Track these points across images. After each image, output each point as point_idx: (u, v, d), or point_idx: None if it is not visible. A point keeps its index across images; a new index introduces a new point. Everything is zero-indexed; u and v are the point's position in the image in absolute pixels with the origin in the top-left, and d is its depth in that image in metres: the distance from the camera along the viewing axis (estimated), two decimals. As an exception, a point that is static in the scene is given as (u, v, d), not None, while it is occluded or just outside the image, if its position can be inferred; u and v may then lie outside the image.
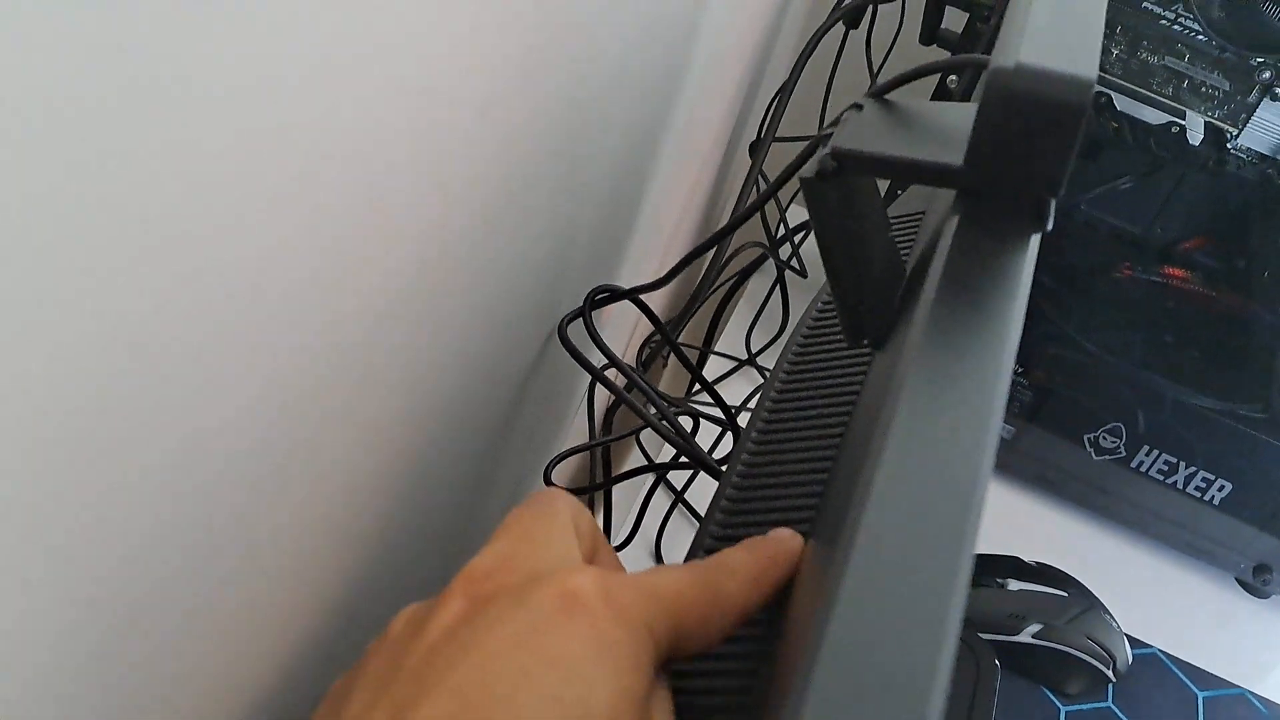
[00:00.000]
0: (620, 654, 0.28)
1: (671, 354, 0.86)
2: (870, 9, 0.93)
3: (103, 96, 0.15)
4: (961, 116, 0.33)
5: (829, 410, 0.45)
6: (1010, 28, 0.33)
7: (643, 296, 0.54)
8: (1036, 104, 0.30)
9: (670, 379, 1.17)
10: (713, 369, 0.95)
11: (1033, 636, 0.74)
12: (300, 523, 0.30)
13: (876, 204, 0.39)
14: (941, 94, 0.88)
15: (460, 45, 0.28)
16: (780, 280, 0.96)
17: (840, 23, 0.90)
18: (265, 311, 0.23)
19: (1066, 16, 0.33)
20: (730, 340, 0.98)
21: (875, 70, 0.98)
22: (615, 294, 0.52)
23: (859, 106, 0.38)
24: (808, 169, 0.36)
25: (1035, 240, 0.33)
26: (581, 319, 0.51)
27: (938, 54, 0.90)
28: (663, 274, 0.57)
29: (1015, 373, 0.88)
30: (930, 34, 0.91)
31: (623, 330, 0.80)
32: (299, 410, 0.27)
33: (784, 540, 0.34)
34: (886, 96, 0.38)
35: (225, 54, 0.18)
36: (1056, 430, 0.89)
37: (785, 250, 1.01)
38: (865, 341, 0.39)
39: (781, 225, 0.98)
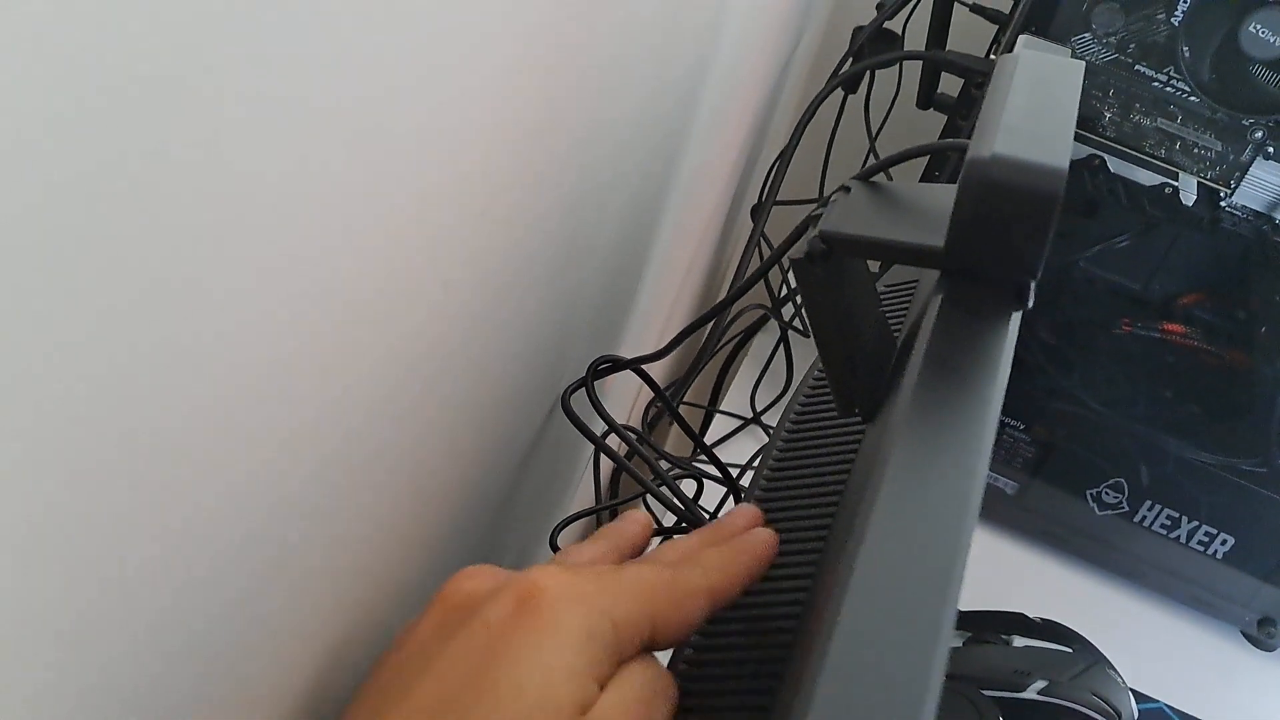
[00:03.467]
0: (574, 636, 0.30)
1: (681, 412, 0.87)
2: (868, 74, 0.95)
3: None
4: (944, 199, 0.35)
5: (826, 477, 0.46)
6: (988, 116, 0.34)
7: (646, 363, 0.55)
8: (1011, 193, 0.32)
9: (677, 436, 1.18)
10: (719, 427, 0.97)
11: (1038, 693, 0.75)
12: (311, 593, 0.31)
13: (865, 282, 0.40)
14: (938, 162, 0.90)
15: (463, 119, 0.29)
16: (784, 339, 0.97)
17: (839, 88, 0.92)
18: (267, 398, 0.25)
19: (1041, 106, 0.34)
20: (736, 398, 1.00)
21: (874, 134, 1.00)
22: (617, 364, 0.54)
23: (847, 189, 0.39)
24: (797, 250, 0.38)
25: (1016, 318, 0.34)
26: (584, 389, 0.52)
27: (935, 118, 0.92)
28: (666, 339, 0.58)
29: (1018, 429, 0.90)
30: (927, 99, 0.93)
31: (628, 392, 0.81)
32: (302, 490, 0.28)
33: (754, 535, 0.37)
34: (873, 179, 0.40)
35: (225, 168, 0.19)
36: (1059, 486, 0.90)
37: (788, 310, 1.02)
38: (856, 412, 0.40)
39: (784, 286, 1.00)
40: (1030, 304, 0.34)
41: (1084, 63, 0.37)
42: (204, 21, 0.17)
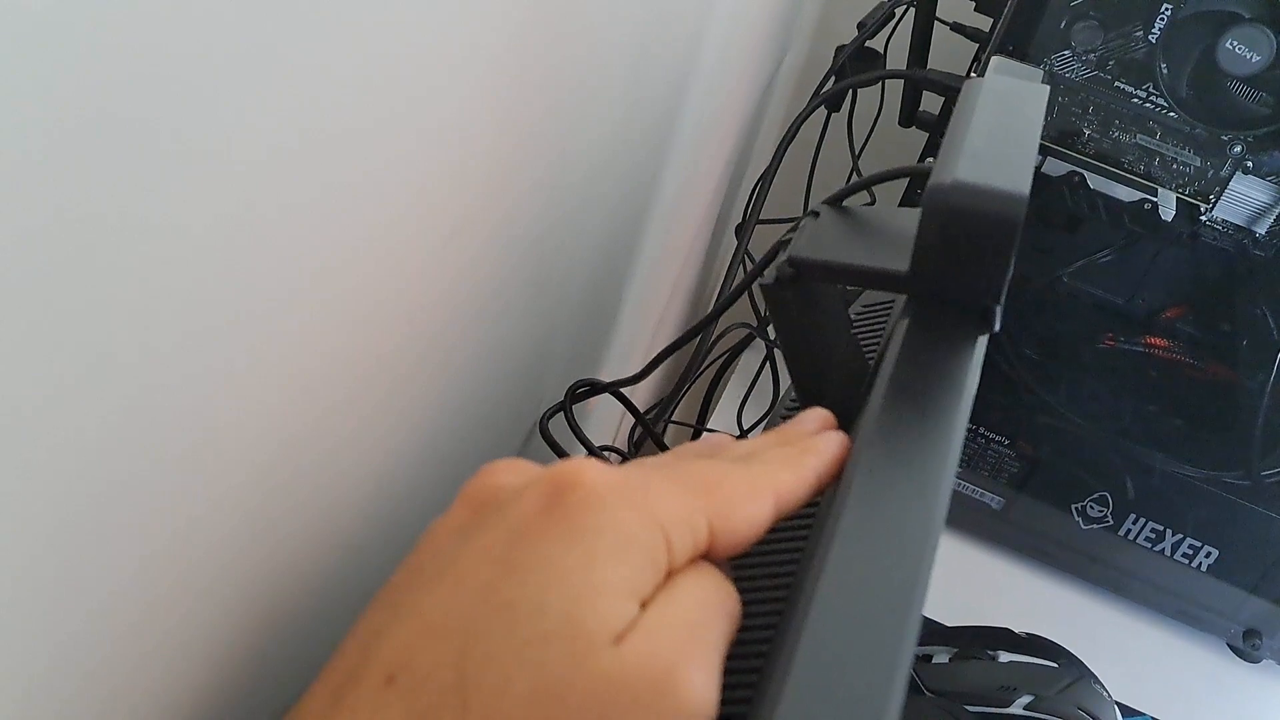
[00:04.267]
0: (612, 542, 0.25)
1: (668, 430, 0.87)
2: (850, 93, 0.95)
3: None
4: (910, 223, 0.35)
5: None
6: (951, 141, 0.35)
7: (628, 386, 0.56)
8: (972, 218, 0.32)
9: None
10: (706, 445, 0.97)
11: (1024, 709, 0.75)
12: (283, 631, 0.31)
13: (836, 306, 0.40)
14: (920, 182, 0.90)
15: (434, 141, 0.29)
16: (769, 357, 0.98)
17: (822, 107, 0.92)
18: (239, 432, 0.25)
19: (1004, 131, 0.35)
20: (724, 416, 1.00)
21: (857, 152, 1.00)
22: (596, 388, 0.54)
23: (815, 214, 0.40)
24: (767, 275, 0.38)
25: (982, 341, 0.34)
26: (563, 413, 0.53)
27: (917, 136, 0.93)
28: (648, 362, 0.58)
29: (1002, 444, 0.90)
30: (909, 117, 0.94)
31: (613, 415, 0.81)
32: (269, 519, 0.29)
33: (826, 437, 0.33)
34: (842, 204, 0.40)
35: (203, 210, 0.20)
36: (1044, 500, 0.90)
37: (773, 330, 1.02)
38: (829, 435, 0.40)
39: (769, 303, 1.00)
40: (997, 327, 0.35)
41: (1049, 87, 0.37)
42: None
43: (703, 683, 0.24)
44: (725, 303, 0.49)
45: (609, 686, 0.23)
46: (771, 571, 0.42)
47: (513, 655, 0.23)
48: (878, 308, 0.59)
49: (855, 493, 0.28)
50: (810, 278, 0.37)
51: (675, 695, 0.24)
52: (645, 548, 0.26)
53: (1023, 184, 0.32)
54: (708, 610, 0.26)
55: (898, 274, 0.35)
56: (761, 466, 0.30)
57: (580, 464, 0.27)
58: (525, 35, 0.32)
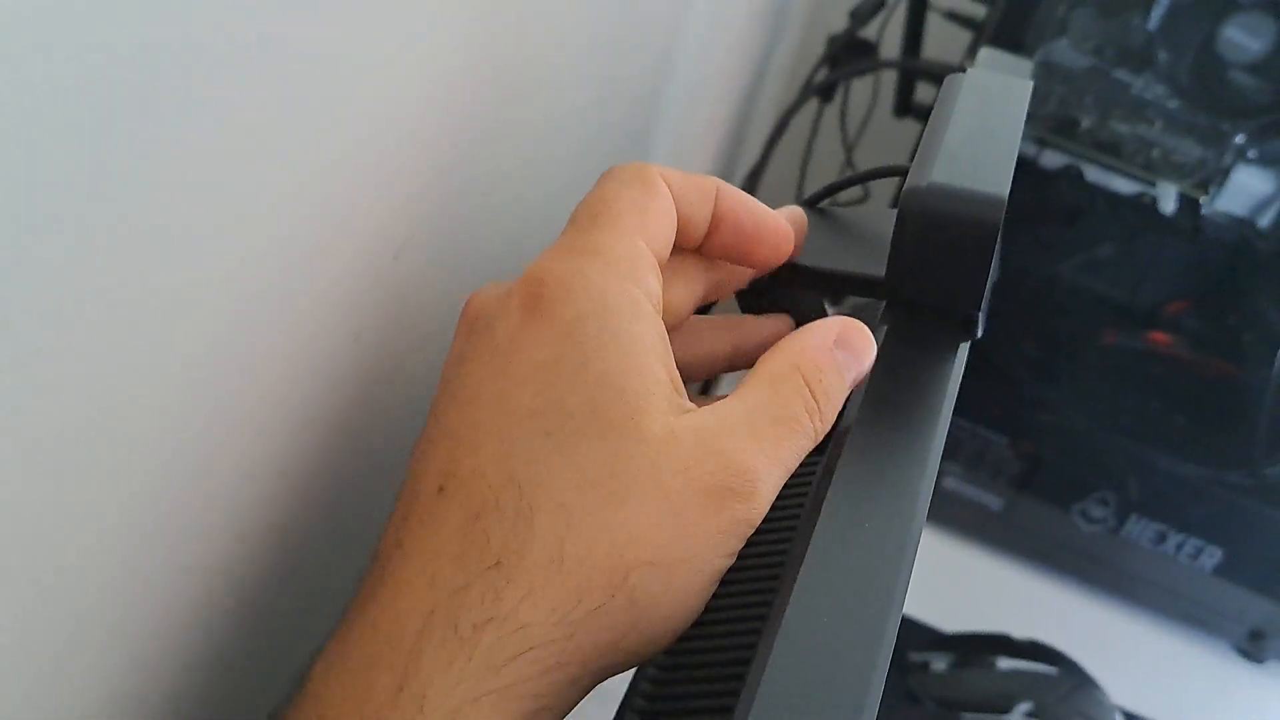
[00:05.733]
0: (589, 330, 0.27)
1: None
2: (843, 83, 0.93)
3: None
4: (887, 225, 0.34)
5: (786, 501, 0.45)
6: (929, 142, 0.33)
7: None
8: (949, 222, 0.30)
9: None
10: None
11: (1024, 716, 0.73)
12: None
13: (815, 310, 0.39)
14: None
15: (377, 156, 0.28)
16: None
17: (814, 98, 0.91)
18: (183, 475, 0.23)
19: (983, 131, 0.33)
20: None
21: (850, 143, 0.99)
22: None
23: None
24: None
25: (964, 349, 0.33)
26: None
27: (912, 126, 0.91)
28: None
29: (1002, 443, 0.88)
30: (903, 107, 0.92)
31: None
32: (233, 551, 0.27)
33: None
34: (819, 205, 0.38)
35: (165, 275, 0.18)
36: (1045, 500, 0.88)
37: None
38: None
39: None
40: (979, 334, 0.33)
41: (1032, 83, 0.36)
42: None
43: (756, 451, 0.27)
44: (704, 307, 0.47)
45: (658, 455, 0.26)
46: (750, 580, 0.40)
47: (554, 452, 0.26)
48: (868, 310, 0.57)
49: (831, 509, 0.27)
50: (784, 283, 0.36)
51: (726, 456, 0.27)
52: (635, 301, 0.28)
53: (1002, 185, 0.31)
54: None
55: (875, 279, 0.33)
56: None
57: (542, 264, 0.28)
58: (485, 27, 0.30)
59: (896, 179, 0.42)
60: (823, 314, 0.40)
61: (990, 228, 0.30)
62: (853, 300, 0.57)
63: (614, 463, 0.26)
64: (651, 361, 0.27)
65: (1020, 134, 0.33)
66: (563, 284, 0.28)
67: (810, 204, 0.38)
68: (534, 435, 0.26)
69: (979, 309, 0.32)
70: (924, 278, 0.32)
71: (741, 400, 0.28)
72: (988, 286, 0.31)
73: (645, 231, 0.30)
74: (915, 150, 0.86)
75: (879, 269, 0.33)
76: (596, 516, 0.25)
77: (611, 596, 0.25)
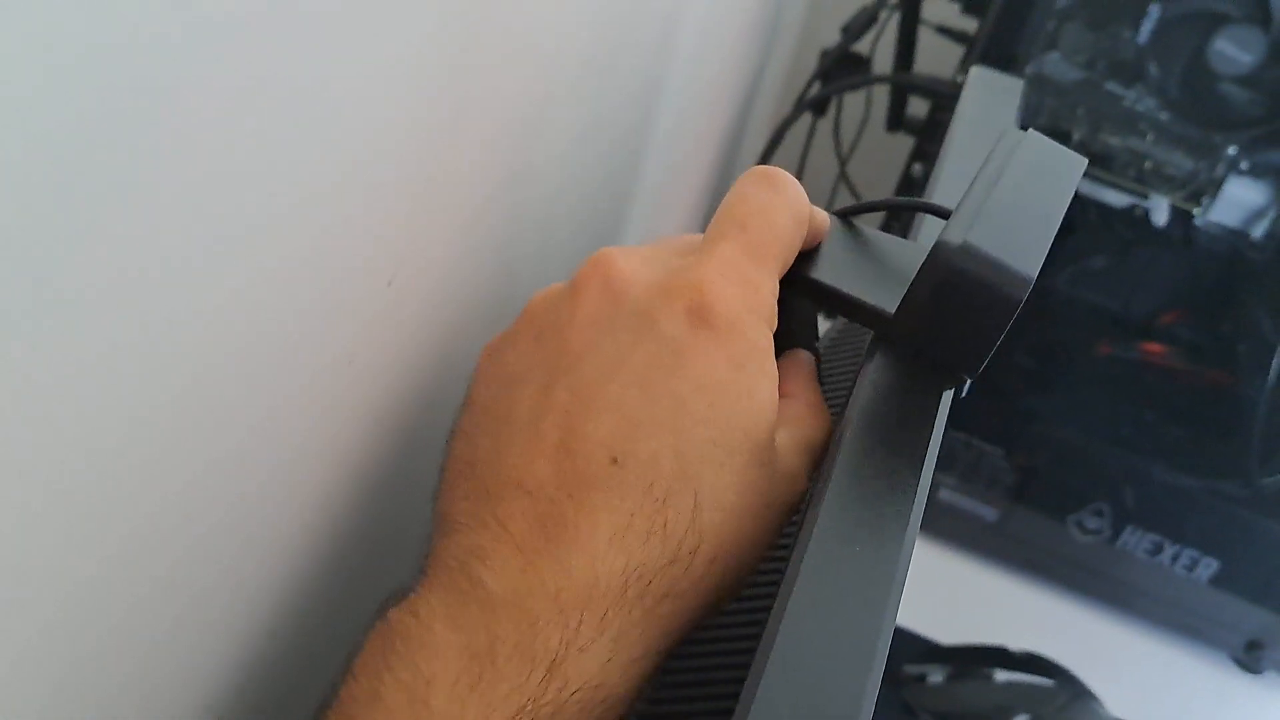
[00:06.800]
0: (749, 369, 0.29)
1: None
2: (836, 98, 0.94)
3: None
4: (909, 261, 0.33)
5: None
6: (973, 196, 0.32)
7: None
8: (973, 286, 0.30)
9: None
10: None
11: (1021, 728, 0.73)
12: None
13: (808, 321, 0.38)
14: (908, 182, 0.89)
15: (368, 169, 0.28)
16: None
17: (807, 112, 0.91)
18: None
19: (1027, 205, 0.33)
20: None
21: (844, 157, 0.99)
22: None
23: None
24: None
25: (947, 395, 0.32)
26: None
27: (903, 141, 0.91)
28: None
29: (997, 454, 0.88)
30: (896, 121, 0.92)
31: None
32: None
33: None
34: (848, 218, 0.38)
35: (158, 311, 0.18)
36: (1040, 511, 0.88)
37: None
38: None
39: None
40: (964, 394, 0.33)
41: (1086, 160, 0.35)
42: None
43: None
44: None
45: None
46: (745, 601, 0.40)
47: (720, 465, 0.29)
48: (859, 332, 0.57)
49: (822, 532, 0.27)
50: (787, 285, 0.35)
51: None
52: (767, 354, 0.30)
53: (1033, 265, 0.30)
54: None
55: (882, 314, 0.33)
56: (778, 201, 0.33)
57: (705, 275, 0.30)
58: (476, 55, 0.31)
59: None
60: (814, 321, 0.39)
61: (1011, 304, 0.30)
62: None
63: (756, 488, 0.29)
64: (771, 416, 0.30)
65: (1063, 212, 0.32)
66: (729, 312, 0.30)
67: (842, 215, 0.38)
68: (704, 443, 0.28)
69: (975, 376, 0.32)
70: (931, 331, 0.31)
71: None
72: (989, 357, 0.31)
73: (781, 270, 0.33)
74: (910, 160, 0.85)
75: (889, 304, 0.32)
76: (743, 523, 0.29)
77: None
